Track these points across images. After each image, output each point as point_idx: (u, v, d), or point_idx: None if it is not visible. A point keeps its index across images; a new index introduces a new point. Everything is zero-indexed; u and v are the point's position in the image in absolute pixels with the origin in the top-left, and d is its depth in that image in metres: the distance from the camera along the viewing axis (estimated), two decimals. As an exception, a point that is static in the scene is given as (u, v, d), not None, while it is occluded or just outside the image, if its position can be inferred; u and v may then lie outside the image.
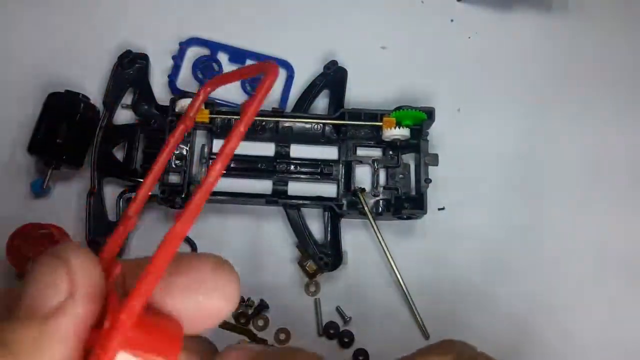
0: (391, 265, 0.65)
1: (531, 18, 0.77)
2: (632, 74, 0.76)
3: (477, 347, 0.37)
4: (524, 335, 0.66)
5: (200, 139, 0.68)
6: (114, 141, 0.67)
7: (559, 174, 0.71)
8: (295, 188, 0.68)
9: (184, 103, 0.64)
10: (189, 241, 0.66)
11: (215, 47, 0.72)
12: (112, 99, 0.68)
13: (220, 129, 0.68)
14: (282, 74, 0.72)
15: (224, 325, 0.64)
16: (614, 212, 0.70)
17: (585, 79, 0.75)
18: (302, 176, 0.68)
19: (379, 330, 0.65)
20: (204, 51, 0.73)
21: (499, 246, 0.68)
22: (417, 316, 0.65)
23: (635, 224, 0.70)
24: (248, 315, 0.64)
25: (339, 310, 0.65)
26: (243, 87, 0.71)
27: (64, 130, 0.64)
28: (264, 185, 0.68)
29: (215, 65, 0.72)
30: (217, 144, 0.68)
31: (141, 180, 0.64)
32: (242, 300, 0.65)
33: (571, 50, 0.76)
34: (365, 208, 0.65)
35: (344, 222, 0.67)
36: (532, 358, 0.66)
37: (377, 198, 0.67)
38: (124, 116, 0.69)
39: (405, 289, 0.65)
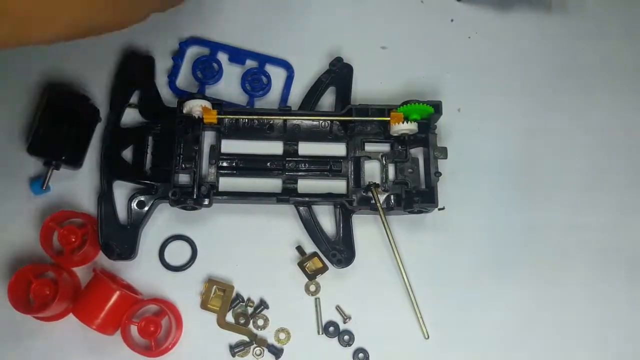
0: (397, 263, 0.65)
1: (531, 18, 0.77)
2: (632, 74, 0.76)
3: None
4: (525, 335, 0.66)
5: (208, 139, 0.68)
6: (122, 144, 0.67)
7: (559, 173, 0.71)
8: (304, 186, 0.68)
9: (191, 104, 0.64)
10: (188, 241, 0.66)
11: (215, 47, 0.72)
12: (118, 101, 0.68)
13: (228, 130, 0.68)
14: (282, 73, 0.73)
15: (224, 325, 0.64)
16: (615, 212, 0.70)
17: (585, 79, 0.75)
18: (312, 174, 0.68)
19: (379, 330, 0.65)
20: (204, 51, 0.73)
21: (500, 245, 0.68)
22: (419, 315, 0.65)
23: (636, 223, 0.70)
24: (248, 315, 0.64)
25: (338, 310, 0.65)
26: (243, 87, 0.71)
27: (63, 130, 0.64)
28: (273, 184, 0.68)
29: (215, 65, 0.72)
30: (225, 145, 0.68)
31: (151, 182, 0.65)
32: (242, 299, 0.65)
33: (571, 50, 0.76)
34: (378, 204, 0.65)
35: (353, 218, 0.67)
36: (533, 356, 0.66)
37: (388, 193, 0.67)
38: (130, 118, 0.69)
39: (409, 287, 0.65)
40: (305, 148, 0.69)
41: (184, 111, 0.65)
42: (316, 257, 0.66)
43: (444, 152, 0.66)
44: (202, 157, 0.66)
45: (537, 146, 0.72)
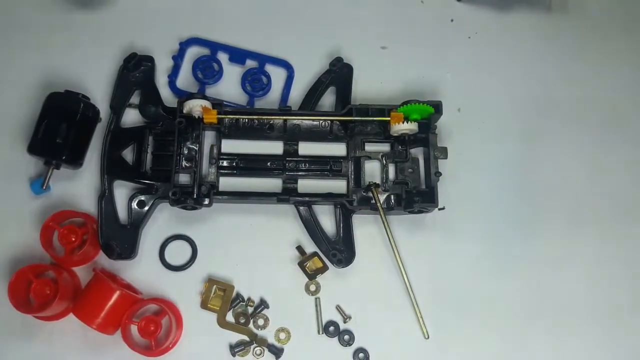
0: (397, 263, 0.65)
1: (531, 18, 0.77)
2: (631, 74, 0.76)
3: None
4: (525, 334, 0.66)
5: (209, 139, 0.68)
6: (122, 144, 0.67)
7: (559, 172, 0.71)
8: (305, 185, 0.69)
9: (191, 104, 0.64)
10: (188, 240, 0.66)
11: (215, 47, 0.72)
12: (118, 102, 0.68)
13: (228, 129, 0.68)
14: (282, 73, 0.73)
15: (224, 324, 0.64)
16: (615, 211, 0.70)
17: (585, 79, 0.75)
18: (312, 173, 0.68)
19: (379, 330, 0.65)
20: (204, 51, 0.73)
21: (500, 245, 0.68)
22: (419, 315, 0.65)
23: (636, 223, 0.70)
24: (248, 315, 0.64)
25: (339, 309, 0.65)
26: (243, 87, 0.71)
27: (63, 130, 0.64)
28: (273, 184, 0.68)
29: (215, 65, 0.72)
30: (225, 144, 0.68)
31: (151, 182, 0.66)
32: (242, 299, 0.65)
33: (571, 50, 0.76)
34: (378, 204, 0.65)
35: (353, 218, 0.67)
36: (532, 355, 0.66)
37: (388, 193, 0.67)
38: (130, 118, 0.69)
39: (409, 287, 0.65)
40: (306, 148, 0.70)
41: (184, 111, 0.65)
42: (316, 257, 0.66)
43: (444, 152, 0.67)
44: (202, 157, 0.66)
45: (537, 146, 0.72)
